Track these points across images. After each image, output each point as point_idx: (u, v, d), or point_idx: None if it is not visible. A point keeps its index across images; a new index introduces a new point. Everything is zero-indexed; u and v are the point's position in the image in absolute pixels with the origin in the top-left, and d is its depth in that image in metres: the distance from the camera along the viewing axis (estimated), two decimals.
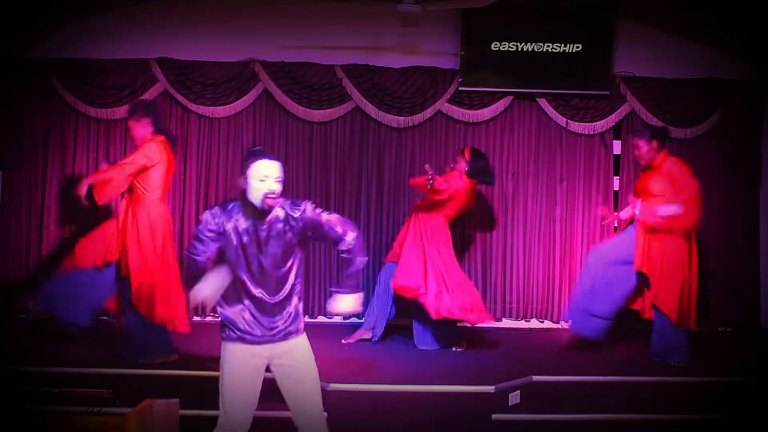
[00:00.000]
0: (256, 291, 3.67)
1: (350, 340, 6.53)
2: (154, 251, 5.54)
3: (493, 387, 5.27)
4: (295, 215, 3.70)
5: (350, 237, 3.75)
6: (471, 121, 7.33)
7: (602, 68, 7.22)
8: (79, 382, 5.18)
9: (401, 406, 5.15)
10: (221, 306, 3.76)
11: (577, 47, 7.18)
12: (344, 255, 3.80)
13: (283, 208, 3.71)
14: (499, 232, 7.39)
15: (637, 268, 5.96)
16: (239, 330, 3.71)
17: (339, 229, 3.74)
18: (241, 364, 3.73)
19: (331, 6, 6.54)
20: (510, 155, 7.41)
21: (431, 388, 5.30)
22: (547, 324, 7.43)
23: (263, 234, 3.66)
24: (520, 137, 7.42)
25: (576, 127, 7.35)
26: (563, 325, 7.40)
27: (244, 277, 3.66)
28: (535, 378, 5.47)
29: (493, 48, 7.19)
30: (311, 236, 3.79)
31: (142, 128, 5.63)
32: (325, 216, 3.75)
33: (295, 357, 3.81)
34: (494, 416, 5.12)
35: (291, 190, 7.24)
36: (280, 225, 3.68)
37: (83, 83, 7.01)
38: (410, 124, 7.28)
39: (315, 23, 7.18)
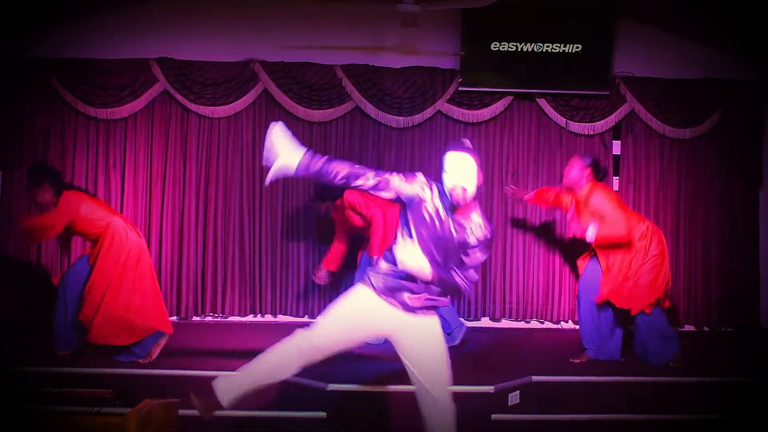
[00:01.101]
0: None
1: None
2: (126, 274, 5.65)
3: (493, 387, 5.28)
4: (478, 236, 3.88)
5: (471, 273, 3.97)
6: (471, 121, 7.34)
7: (602, 68, 7.23)
8: (80, 382, 5.20)
9: (401, 405, 5.16)
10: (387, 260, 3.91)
11: (577, 47, 7.19)
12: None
13: (479, 223, 3.91)
14: (498, 232, 7.40)
15: (599, 301, 5.91)
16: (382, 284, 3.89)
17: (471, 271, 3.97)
18: (365, 308, 3.91)
19: (331, 6, 6.56)
20: (510, 155, 7.43)
21: None
22: (547, 324, 7.44)
23: (447, 223, 3.83)
24: (520, 137, 7.44)
25: (576, 127, 7.36)
26: (563, 325, 7.43)
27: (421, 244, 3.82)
28: (535, 378, 5.49)
29: (492, 48, 7.20)
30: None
31: (45, 194, 5.67)
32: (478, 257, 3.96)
33: (415, 333, 3.93)
34: (494, 416, 5.13)
35: (290, 191, 7.26)
36: (465, 229, 3.86)
37: (83, 83, 7.02)
38: (410, 124, 7.29)
39: (315, 23, 7.19)
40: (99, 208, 5.77)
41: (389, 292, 3.88)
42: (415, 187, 3.84)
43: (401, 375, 5.50)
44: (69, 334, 5.76)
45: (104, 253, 5.63)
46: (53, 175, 5.79)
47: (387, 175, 3.82)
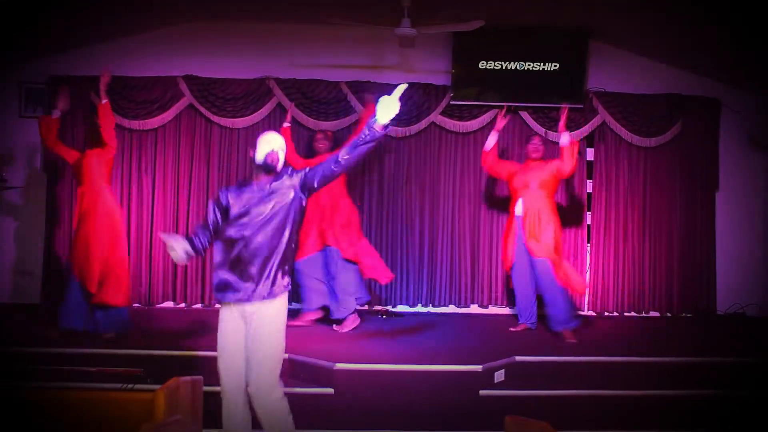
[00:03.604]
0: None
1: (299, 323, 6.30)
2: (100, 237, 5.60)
3: (481, 366, 5.27)
4: (296, 183, 3.73)
5: (343, 152, 3.71)
6: (461, 131, 7.33)
7: (577, 84, 7.22)
8: (115, 362, 5.18)
9: (399, 382, 5.15)
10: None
11: (555, 66, 7.18)
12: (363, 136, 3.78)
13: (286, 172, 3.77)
14: (485, 229, 7.38)
15: (538, 257, 6.13)
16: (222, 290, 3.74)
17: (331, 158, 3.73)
18: (227, 324, 3.74)
19: (337, 29, 6.54)
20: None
21: (426, 367, 5.30)
22: None
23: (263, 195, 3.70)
24: (505, 145, 7.41)
25: (554, 136, 7.31)
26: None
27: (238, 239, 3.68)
28: (518, 358, 5.48)
29: (480, 66, 7.19)
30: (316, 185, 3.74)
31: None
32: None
33: (260, 319, 3.70)
34: (482, 392, 5.12)
35: None
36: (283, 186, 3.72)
37: (118, 97, 6.98)
38: (407, 134, 7.28)
39: (323, 44, 7.18)
40: None
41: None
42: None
43: (401, 356, 5.51)
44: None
45: None
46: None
47: None
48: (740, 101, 7.47)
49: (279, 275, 3.70)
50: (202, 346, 5.55)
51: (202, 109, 7.08)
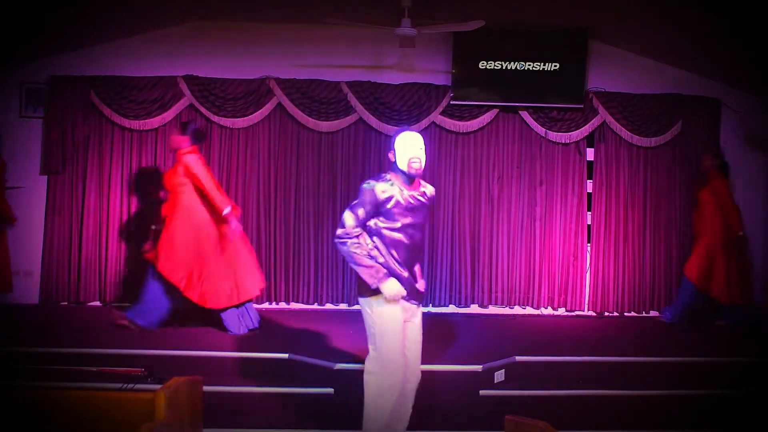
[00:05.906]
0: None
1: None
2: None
3: (481, 366, 5.27)
4: (428, 192, 4.11)
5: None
6: (461, 131, 7.32)
7: (577, 84, 7.22)
8: (115, 362, 5.18)
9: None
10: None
11: (555, 66, 7.18)
12: None
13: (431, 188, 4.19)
14: (485, 229, 7.38)
15: None
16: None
17: None
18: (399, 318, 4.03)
19: (338, 29, 6.55)
20: (495, 161, 7.41)
21: (426, 366, 5.23)
22: (529, 310, 7.42)
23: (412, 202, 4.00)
24: (505, 145, 7.42)
25: (554, 136, 7.35)
26: (543, 311, 7.41)
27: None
28: (518, 358, 5.48)
29: (480, 66, 7.19)
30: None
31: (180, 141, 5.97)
32: None
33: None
34: (482, 392, 5.12)
35: (302, 192, 7.25)
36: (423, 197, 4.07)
37: (119, 98, 7.00)
38: None
39: (323, 45, 7.17)
40: None
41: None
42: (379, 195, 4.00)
43: None
44: None
45: None
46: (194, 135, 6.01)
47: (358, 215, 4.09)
48: (740, 101, 7.46)
49: None
50: (202, 346, 5.56)
51: (202, 109, 7.08)
